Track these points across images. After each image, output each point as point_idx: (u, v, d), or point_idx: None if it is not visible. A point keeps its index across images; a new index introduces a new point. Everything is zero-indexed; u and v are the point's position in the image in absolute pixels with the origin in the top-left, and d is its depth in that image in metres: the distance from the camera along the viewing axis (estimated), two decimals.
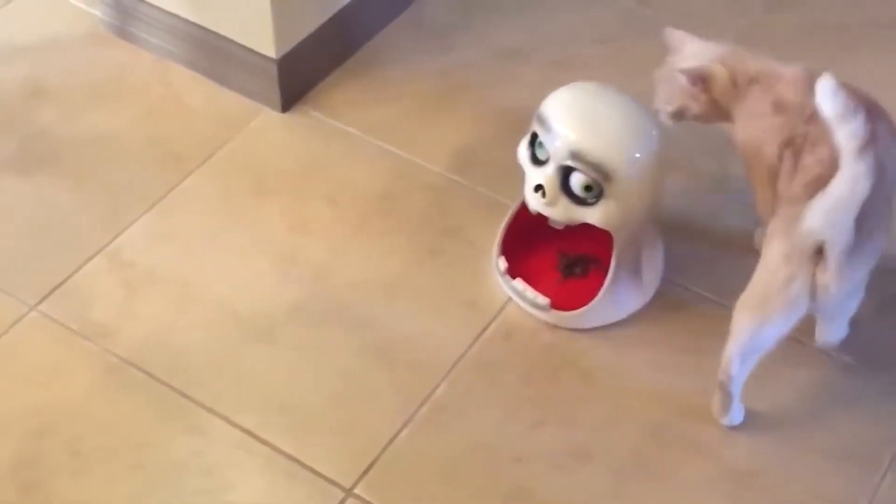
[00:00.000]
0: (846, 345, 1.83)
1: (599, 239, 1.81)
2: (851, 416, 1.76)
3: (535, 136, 1.78)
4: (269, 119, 2.17)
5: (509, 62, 2.27)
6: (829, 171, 1.57)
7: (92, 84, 2.23)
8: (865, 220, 1.57)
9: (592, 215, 1.76)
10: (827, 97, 1.52)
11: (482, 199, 2.03)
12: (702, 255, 1.95)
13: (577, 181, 1.74)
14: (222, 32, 2.16)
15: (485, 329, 1.86)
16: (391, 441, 1.72)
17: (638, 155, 1.75)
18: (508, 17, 2.35)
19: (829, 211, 1.56)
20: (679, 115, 1.85)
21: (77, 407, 1.76)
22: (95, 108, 2.18)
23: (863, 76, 1.73)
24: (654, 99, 1.87)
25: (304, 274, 1.93)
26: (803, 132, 1.68)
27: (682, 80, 1.79)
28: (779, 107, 1.73)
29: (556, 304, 1.84)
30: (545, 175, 1.76)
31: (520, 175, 1.83)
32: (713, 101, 1.80)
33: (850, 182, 1.53)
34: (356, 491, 1.68)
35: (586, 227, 1.79)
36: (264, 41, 2.11)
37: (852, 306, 1.74)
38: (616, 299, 1.84)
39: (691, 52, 1.84)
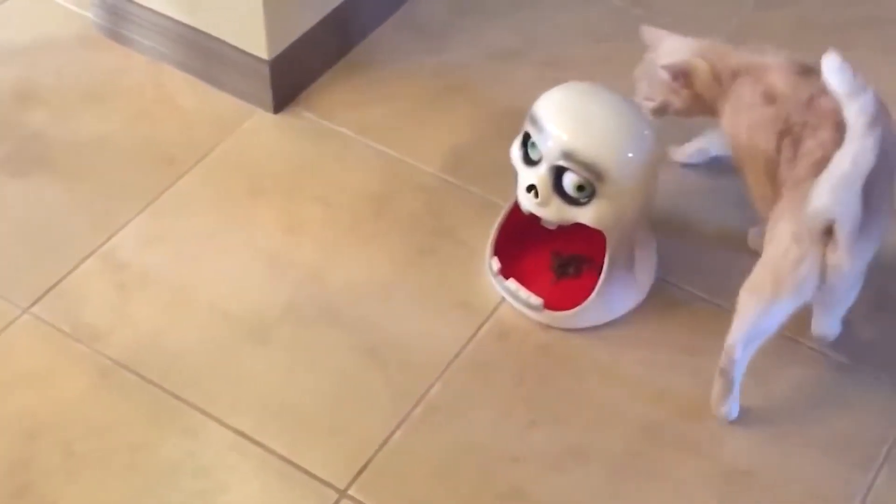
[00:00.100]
0: (840, 343, 1.83)
1: (592, 239, 1.81)
2: (845, 414, 1.76)
3: (527, 137, 1.78)
4: (261, 120, 2.17)
5: (502, 62, 2.27)
6: (832, 153, 1.58)
7: (84, 86, 2.22)
8: (871, 197, 1.58)
9: (585, 215, 1.76)
10: (834, 74, 1.52)
11: (475, 199, 2.03)
12: (695, 254, 1.95)
13: (569, 181, 1.74)
14: (214, 34, 2.16)
15: (478, 329, 1.86)
16: (385, 442, 1.72)
17: (630, 155, 1.75)
18: (501, 18, 2.35)
19: (835, 188, 1.56)
20: (661, 110, 1.86)
21: (70, 409, 1.76)
22: (88, 110, 2.18)
23: None
24: (635, 96, 1.88)
25: (297, 275, 1.93)
26: (801, 120, 1.69)
27: (664, 75, 1.81)
28: (770, 97, 1.74)
29: (550, 305, 1.84)
30: (538, 175, 1.76)
31: (512, 175, 1.83)
32: (695, 95, 1.82)
33: (853, 156, 1.53)
34: (350, 492, 1.68)
35: (579, 227, 1.79)
36: (256, 42, 2.11)
37: (852, 295, 1.74)
38: (609, 299, 1.84)
39: (669, 48, 1.86)
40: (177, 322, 1.87)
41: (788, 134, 1.70)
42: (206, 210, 2.02)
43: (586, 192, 1.74)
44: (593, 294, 1.82)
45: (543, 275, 1.91)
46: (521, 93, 1.96)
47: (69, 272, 1.92)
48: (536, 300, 1.84)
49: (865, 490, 1.68)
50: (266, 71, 2.13)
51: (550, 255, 1.93)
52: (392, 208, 2.02)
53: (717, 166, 2.03)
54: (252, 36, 2.11)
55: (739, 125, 1.78)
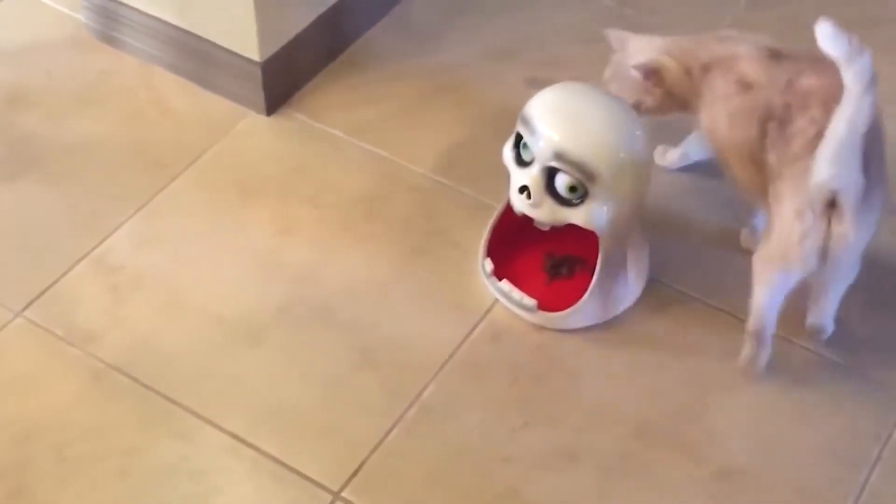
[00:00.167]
0: (833, 343, 1.83)
1: (585, 239, 1.81)
2: (839, 413, 1.76)
3: (519, 138, 1.78)
4: (254, 122, 2.17)
5: (494, 63, 2.27)
6: (825, 127, 1.59)
7: (76, 88, 2.22)
8: (869, 167, 1.60)
9: (577, 216, 1.76)
10: (828, 41, 1.51)
11: (467, 200, 2.03)
12: (688, 254, 1.95)
13: (561, 182, 1.74)
14: (206, 36, 2.15)
15: (472, 330, 1.86)
16: (379, 444, 1.72)
17: (622, 155, 1.75)
18: (493, 18, 2.35)
19: (836, 156, 1.57)
20: (634, 110, 1.87)
21: (63, 413, 1.76)
22: (79, 112, 2.18)
23: None
24: None
25: (290, 276, 1.93)
26: (783, 102, 1.69)
27: (635, 74, 1.82)
28: (745, 85, 1.75)
29: (543, 305, 1.84)
30: (530, 176, 1.76)
31: (505, 176, 1.83)
32: (667, 92, 1.84)
33: (850, 116, 1.54)
34: (344, 494, 1.68)
35: (572, 228, 1.79)
36: (248, 44, 2.11)
37: (853, 273, 1.74)
38: (602, 300, 1.84)
39: (636, 48, 1.88)
40: (170, 325, 1.86)
41: (772, 118, 1.71)
42: (199, 212, 2.02)
43: (578, 193, 1.74)
44: (586, 295, 1.82)
45: (536, 276, 1.91)
46: (514, 93, 1.97)
47: (62, 275, 1.92)
48: (530, 301, 1.85)
49: (859, 490, 1.68)
50: (258, 73, 2.13)
51: (543, 256, 1.93)
52: (385, 209, 2.02)
53: (709, 167, 2.03)
54: (244, 38, 2.11)
55: (717, 117, 1.79)
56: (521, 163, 1.78)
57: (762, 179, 1.73)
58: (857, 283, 1.82)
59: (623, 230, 1.80)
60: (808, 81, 1.68)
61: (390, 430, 1.74)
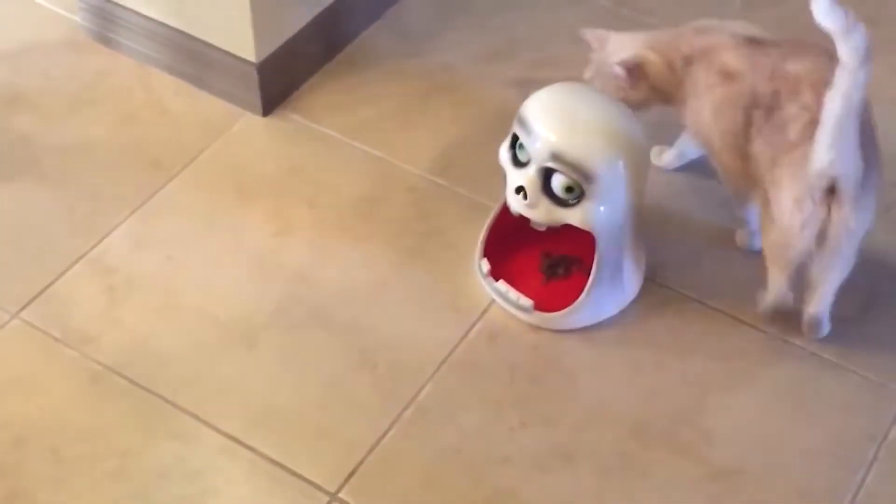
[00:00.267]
0: (829, 343, 1.83)
1: (582, 239, 1.82)
2: (835, 413, 1.76)
3: (515, 138, 1.78)
4: (250, 123, 2.17)
5: (490, 64, 2.27)
6: (818, 112, 1.60)
7: (72, 90, 2.22)
8: (864, 149, 1.61)
9: (574, 216, 1.76)
10: (824, 14, 1.52)
11: (464, 200, 2.03)
12: (684, 254, 1.95)
13: (558, 182, 1.74)
14: (202, 37, 2.15)
15: (468, 331, 1.86)
16: (375, 444, 1.72)
17: (618, 155, 1.75)
18: (489, 19, 2.35)
19: (834, 141, 1.58)
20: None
21: (59, 414, 1.76)
22: (76, 113, 2.18)
23: None
24: None
25: (286, 277, 1.93)
26: (769, 90, 1.70)
27: (619, 71, 1.83)
28: (727, 75, 1.76)
29: (540, 306, 1.84)
30: (526, 177, 1.76)
31: (501, 176, 1.83)
32: (651, 86, 1.85)
33: (844, 91, 1.55)
34: (341, 495, 1.68)
35: (568, 228, 1.79)
36: (244, 45, 2.11)
37: (851, 261, 1.74)
38: (599, 300, 1.84)
39: (616, 45, 1.89)
40: (167, 326, 1.86)
41: (758, 105, 1.72)
42: (195, 213, 2.02)
43: (575, 194, 1.75)
44: (583, 295, 1.82)
45: (533, 276, 1.91)
46: (510, 94, 1.97)
47: (58, 277, 1.92)
48: (526, 301, 1.85)
49: (855, 490, 1.68)
50: (254, 74, 2.13)
51: (540, 256, 1.93)
52: (381, 210, 2.02)
53: (705, 167, 2.03)
54: (240, 39, 2.11)
55: (702, 108, 1.80)
56: (518, 163, 1.79)
57: (750, 168, 1.74)
58: (853, 283, 1.82)
59: (619, 230, 1.80)
60: (795, 67, 1.69)
61: (387, 431, 1.74)
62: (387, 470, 1.70)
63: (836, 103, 1.56)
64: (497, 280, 1.88)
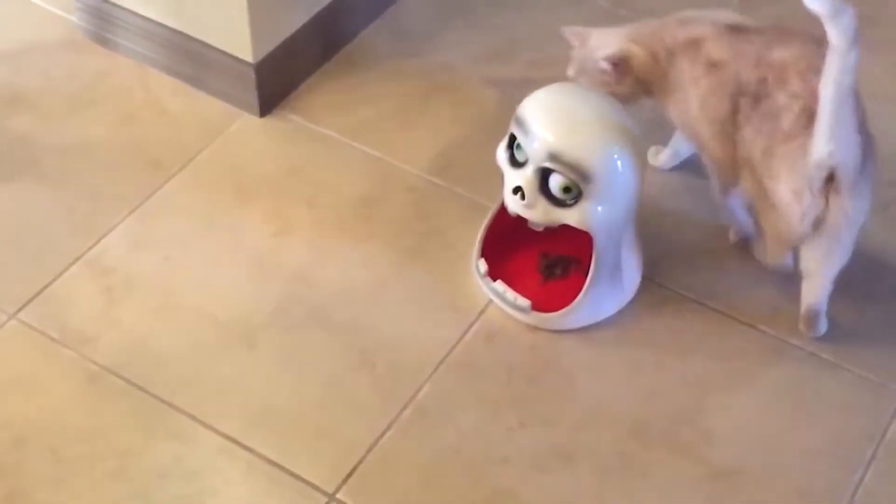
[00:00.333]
0: (827, 343, 1.83)
1: (579, 240, 1.82)
2: (833, 413, 1.76)
3: (513, 138, 1.78)
4: (248, 124, 2.17)
5: (488, 64, 2.27)
6: (811, 102, 1.62)
7: (70, 90, 2.22)
8: (860, 137, 1.63)
9: (571, 216, 1.76)
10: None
11: (462, 200, 2.03)
12: (681, 254, 1.95)
13: (555, 183, 1.74)
14: (200, 37, 2.15)
15: (466, 331, 1.86)
16: (374, 445, 1.72)
17: (616, 155, 1.75)
18: (486, 19, 2.35)
19: (832, 131, 1.59)
20: None
21: (58, 415, 1.76)
22: (74, 114, 2.18)
23: None
24: None
25: (285, 278, 1.93)
26: (754, 77, 1.71)
27: (605, 66, 1.84)
28: (713, 65, 1.77)
29: (537, 306, 1.84)
30: (524, 177, 1.76)
31: (499, 177, 1.83)
32: (637, 80, 1.86)
33: (835, 77, 1.56)
34: (339, 496, 1.68)
35: (566, 228, 1.79)
36: (242, 46, 2.11)
37: (849, 250, 1.74)
38: (596, 300, 1.84)
39: (598, 41, 1.90)
40: (164, 326, 1.86)
41: (744, 93, 1.73)
42: (194, 214, 2.02)
43: (572, 194, 1.75)
44: (580, 295, 1.82)
45: (531, 276, 1.91)
46: (508, 94, 1.97)
47: (56, 277, 1.92)
48: (524, 302, 1.85)
49: (853, 489, 1.68)
50: (252, 74, 2.13)
51: (537, 257, 1.93)
52: (379, 210, 2.02)
53: (701, 166, 2.03)
54: (237, 39, 2.11)
55: (689, 100, 1.80)
56: (516, 163, 1.79)
57: (740, 155, 1.75)
58: (851, 283, 1.82)
59: (617, 230, 1.80)
60: (781, 54, 1.70)
61: (385, 431, 1.74)
62: (385, 470, 1.70)
63: (830, 90, 1.57)
64: (495, 280, 1.88)
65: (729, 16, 1.82)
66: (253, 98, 2.15)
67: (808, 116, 1.63)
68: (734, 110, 1.74)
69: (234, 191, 2.05)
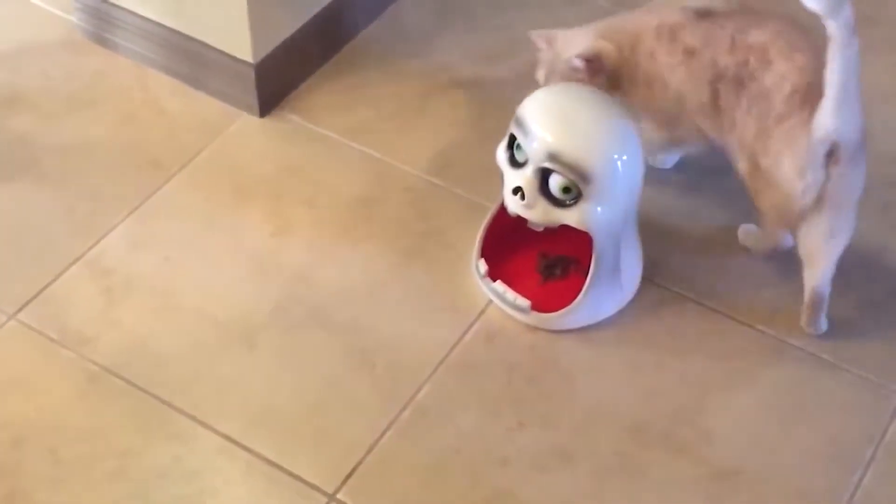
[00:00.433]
0: (826, 343, 1.83)
1: (579, 240, 1.82)
2: (832, 414, 1.76)
3: (513, 139, 1.79)
4: (247, 124, 2.17)
5: (487, 64, 2.27)
6: (799, 80, 1.66)
7: (69, 90, 2.22)
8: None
9: (571, 217, 1.76)
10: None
11: (462, 201, 2.03)
12: (681, 254, 1.95)
13: (555, 183, 1.74)
14: (199, 38, 2.15)
15: (466, 332, 1.86)
16: (374, 445, 1.72)
17: (615, 156, 1.75)
18: (485, 19, 2.35)
19: (838, 109, 1.61)
20: None
21: (57, 415, 1.76)
22: (73, 114, 2.18)
23: None
24: None
25: (284, 278, 1.93)
26: (733, 62, 1.74)
27: (578, 64, 1.85)
28: (689, 52, 1.79)
29: (537, 306, 1.84)
30: (524, 177, 1.76)
31: (499, 177, 1.83)
32: (608, 76, 1.86)
33: (841, 66, 1.58)
34: (339, 496, 1.68)
35: (566, 229, 1.79)
36: (241, 46, 2.11)
37: (852, 222, 1.75)
38: (596, 300, 1.84)
39: (565, 42, 1.90)
40: (164, 327, 1.86)
41: (722, 78, 1.76)
42: (193, 214, 2.02)
43: (572, 194, 1.75)
44: (580, 295, 1.83)
45: (530, 276, 1.91)
46: (508, 94, 1.97)
47: (55, 278, 1.92)
48: (524, 302, 1.85)
49: (852, 490, 1.68)
50: (251, 74, 2.13)
51: (537, 257, 1.93)
52: (379, 211, 2.02)
53: (702, 167, 2.03)
54: (237, 39, 2.11)
55: (667, 88, 1.82)
56: (515, 164, 1.79)
57: (722, 125, 1.78)
58: (851, 283, 1.82)
59: (616, 231, 1.80)
60: (758, 36, 1.73)
61: (385, 432, 1.74)
62: (385, 470, 1.70)
63: (837, 75, 1.59)
64: (494, 280, 1.88)
65: (695, 2, 1.83)
66: (252, 98, 2.15)
67: (801, 95, 1.66)
68: (714, 97, 1.77)
69: (234, 191, 2.05)
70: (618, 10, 2.33)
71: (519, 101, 1.80)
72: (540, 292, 1.87)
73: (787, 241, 1.84)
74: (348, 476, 1.69)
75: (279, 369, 1.81)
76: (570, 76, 1.87)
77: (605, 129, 1.77)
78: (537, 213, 1.78)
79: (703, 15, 1.79)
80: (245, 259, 1.96)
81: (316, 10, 2.20)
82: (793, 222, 1.76)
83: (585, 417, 1.76)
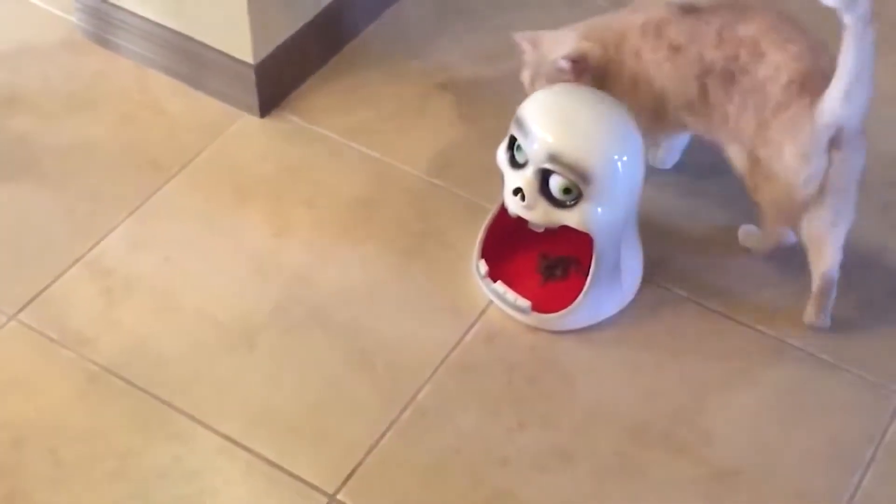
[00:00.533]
0: (826, 344, 1.83)
1: (579, 241, 1.82)
2: (832, 414, 1.77)
3: (513, 140, 1.79)
4: (247, 124, 2.17)
5: (488, 64, 2.27)
6: (795, 69, 1.67)
7: (69, 91, 2.22)
8: None
9: (571, 218, 1.76)
10: None
11: (462, 202, 2.03)
12: (681, 255, 1.95)
13: (555, 184, 1.74)
14: (200, 38, 2.15)
15: (466, 332, 1.86)
16: (374, 446, 1.72)
17: (616, 156, 1.75)
18: (485, 20, 2.35)
19: (848, 95, 1.63)
20: None
21: (57, 416, 1.76)
22: (73, 115, 2.18)
23: None
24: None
25: (284, 279, 1.93)
26: (720, 56, 1.74)
27: (564, 65, 1.85)
28: (674, 48, 1.79)
29: (537, 307, 1.85)
30: (524, 178, 1.76)
31: (499, 177, 1.83)
32: (594, 75, 1.87)
33: (856, 56, 1.59)
34: (339, 496, 1.68)
35: (566, 229, 1.79)
36: (242, 47, 2.11)
37: (851, 212, 1.76)
38: (596, 301, 1.84)
39: (551, 43, 1.91)
40: (164, 327, 1.86)
41: (710, 72, 1.76)
42: (193, 215, 2.02)
43: (573, 195, 1.75)
44: (581, 296, 1.83)
45: (531, 277, 1.91)
46: (508, 95, 1.97)
47: (55, 278, 1.92)
48: (524, 303, 1.85)
49: (852, 490, 1.68)
50: (251, 75, 2.13)
51: (538, 258, 1.93)
52: (379, 211, 2.02)
53: (702, 167, 2.03)
54: (237, 40, 2.11)
55: (653, 84, 1.82)
56: (515, 165, 1.79)
57: (710, 119, 1.79)
58: (850, 283, 1.82)
59: (617, 231, 1.80)
60: (747, 30, 1.73)
61: (385, 432, 1.74)
62: (385, 471, 1.70)
63: (850, 64, 1.60)
64: (495, 281, 1.88)
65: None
66: (252, 99, 2.15)
67: (799, 83, 1.67)
68: (702, 92, 1.77)
69: (234, 191, 2.05)
70: (617, 10, 2.35)
71: (519, 101, 1.80)
72: (540, 293, 1.87)
73: (790, 237, 1.84)
74: (348, 476, 1.69)
75: (279, 369, 1.81)
76: (556, 78, 1.87)
77: (606, 129, 1.77)
78: (538, 214, 1.78)
79: (688, 10, 1.80)
80: (245, 259, 1.96)
81: (316, 10, 2.20)
82: (794, 216, 1.76)
83: (585, 417, 1.76)
